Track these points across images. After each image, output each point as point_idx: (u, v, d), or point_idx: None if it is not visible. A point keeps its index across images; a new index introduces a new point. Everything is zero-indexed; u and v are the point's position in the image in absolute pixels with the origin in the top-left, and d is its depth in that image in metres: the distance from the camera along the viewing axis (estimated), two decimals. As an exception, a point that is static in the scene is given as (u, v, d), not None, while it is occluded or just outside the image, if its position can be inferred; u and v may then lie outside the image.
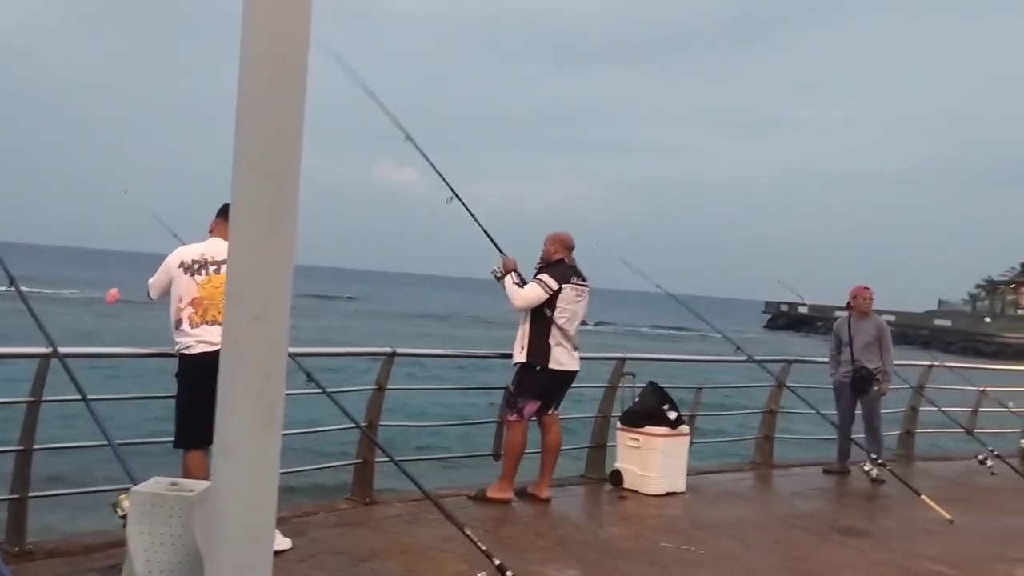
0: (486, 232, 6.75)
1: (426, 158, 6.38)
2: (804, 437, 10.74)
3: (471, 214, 6.63)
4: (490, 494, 6.63)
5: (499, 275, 6.70)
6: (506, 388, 6.83)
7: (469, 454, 8.16)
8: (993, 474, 8.80)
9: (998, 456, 9.10)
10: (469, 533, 4.78)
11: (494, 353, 7.62)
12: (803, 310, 75.54)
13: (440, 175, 6.45)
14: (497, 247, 6.78)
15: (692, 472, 7.81)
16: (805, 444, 10.65)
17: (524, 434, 6.68)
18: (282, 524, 5.34)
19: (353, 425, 5.80)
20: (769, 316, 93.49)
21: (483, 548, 4.69)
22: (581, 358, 6.86)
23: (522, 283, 6.63)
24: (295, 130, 1.80)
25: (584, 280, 6.73)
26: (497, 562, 4.64)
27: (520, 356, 6.60)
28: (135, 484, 2.95)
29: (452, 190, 6.49)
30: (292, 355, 5.34)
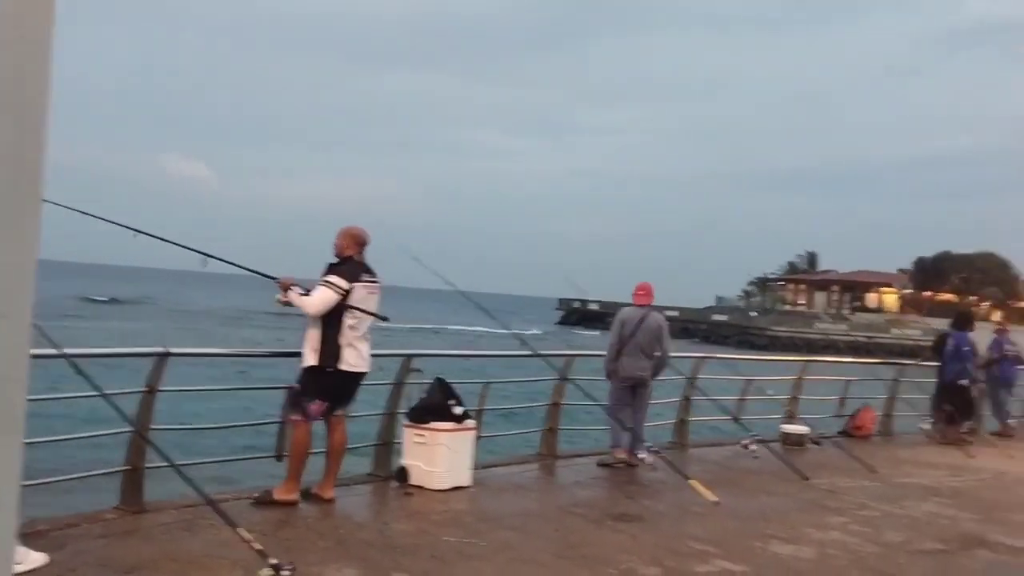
0: (250, 270, 6.68)
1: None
2: (588, 428, 11.16)
3: (230, 263, 6.72)
4: (276, 495, 6.46)
5: (283, 299, 6.55)
6: (290, 387, 6.67)
7: (250, 456, 7.92)
8: (756, 457, 9.48)
9: (761, 440, 9.81)
10: (243, 534, 4.64)
11: (275, 352, 7.46)
12: (594, 307, 78.47)
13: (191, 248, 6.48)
14: (263, 275, 6.70)
15: (478, 466, 7.92)
16: (589, 435, 11.06)
17: (308, 434, 6.56)
18: (39, 538, 4.99)
19: (118, 431, 5.49)
20: (562, 313, 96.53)
21: (258, 548, 4.56)
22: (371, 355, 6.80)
23: (307, 292, 6.49)
24: (36, 112, 1.68)
25: (375, 277, 6.67)
26: (273, 562, 4.53)
27: (311, 359, 6.46)
28: None
29: (204, 254, 6.48)
30: (61, 355, 5.07)
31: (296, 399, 6.54)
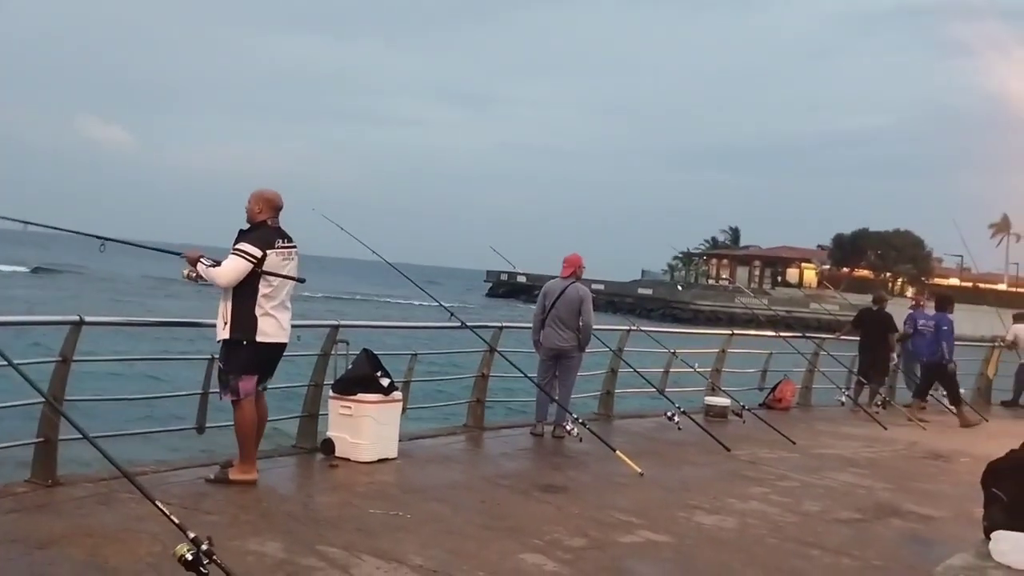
0: (151, 247, 6.59)
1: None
2: (515, 400, 11.19)
3: (129, 243, 6.75)
4: (232, 476, 6.26)
5: (192, 274, 6.28)
6: (217, 366, 6.45)
7: (170, 429, 7.74)
8: (679, 429, 9.60)
9: (684, 412, 9.95)
10: (161, 507, 4.50)
11: (192, 321, 7.25)
12: (522, 279, 78.65)
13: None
14: (167, 251, 6.55)
15: (405, 438, 7.88)
16: (516, 406, 11.09)
17: (251, 410, 6.30)
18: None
19: (28, 402, 5.28)
20: (490, 284, 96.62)
21: (176, 522, 4.44)
22: (293, 326, 6.65)
23: (216, 263, 6.21)
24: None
25: (291, 242, 6.40)
26: (192, 535, 4.41)
27: (224, 332, 6.20)
28: None
29: (101, 238, 6.25)
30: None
31: (224, 378, 6.32)
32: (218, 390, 6.45)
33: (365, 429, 7.26)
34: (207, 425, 7.01)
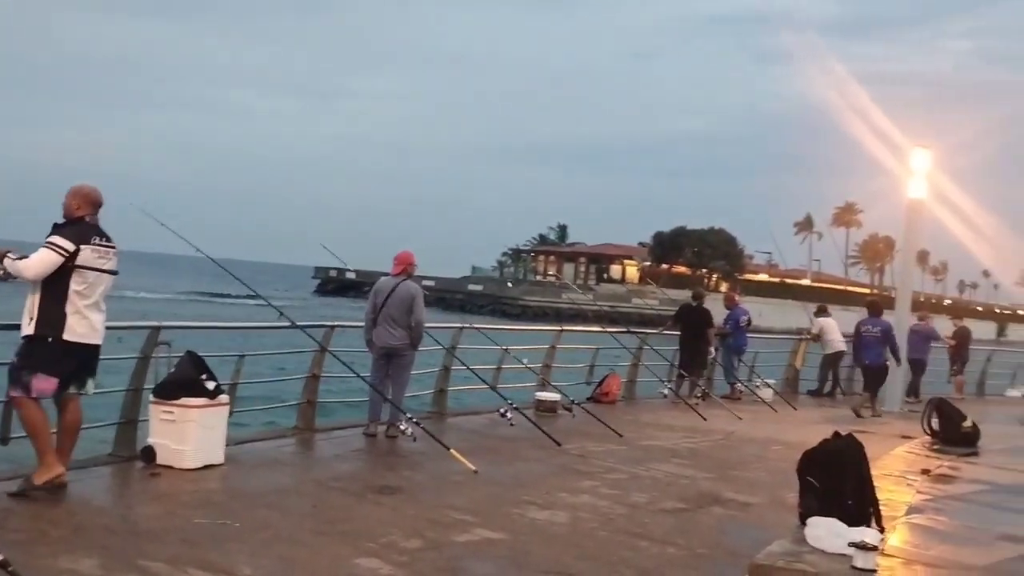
0: None
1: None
2: (348, 400, 11.00)
3: None
4: (37, 481, 5.82)
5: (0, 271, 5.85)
6: (12, 360, 6.00)
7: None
8: (512, 425, 9.72)
9: (516, 408, 10.07)
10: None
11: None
12: (351, 275, 77.62)
13: None
14: None
15: (232, 443, 7.61)
16: (349, 407, 10.90)
17: (39, 408, 5.91)
18: None
19: None
20: (319, 281, 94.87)
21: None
22: (110, 327, 6.28)
23: (23, 257, 5.83)
24: None
25: (109, 240, 6.09)
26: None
27: (28, 328, 5.82)
28: None
29: None
30: None
31: (16, 373, 5.90)
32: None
33: (189, 434, 6.95)
34: (11, 436, 6.51)
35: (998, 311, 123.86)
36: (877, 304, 15.66)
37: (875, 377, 14.63)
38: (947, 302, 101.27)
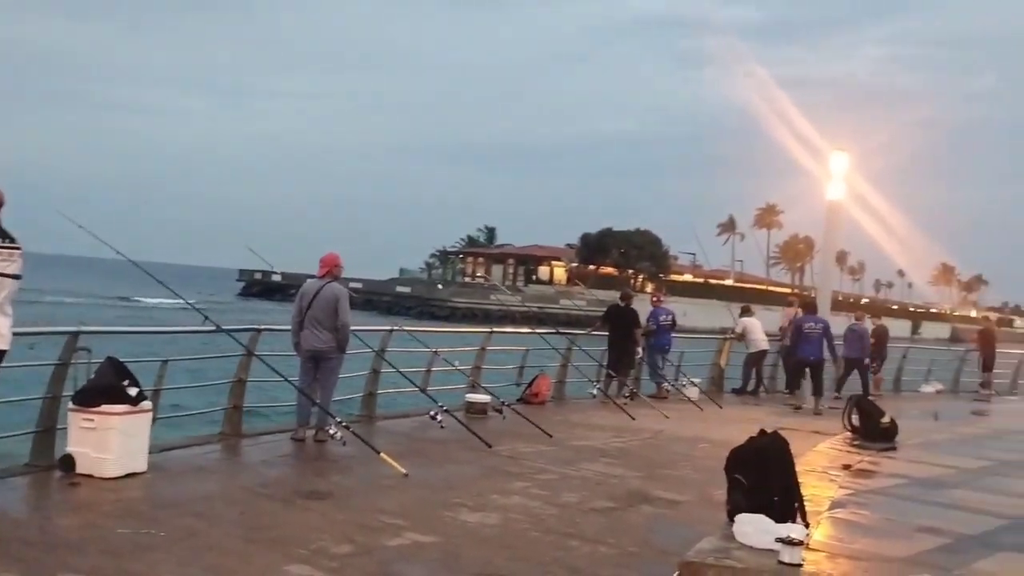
0: None
1: None
2: (275, 405, 10.83)
3: None
4: None
5: None
6: None
7: None
8: (442, 427, 9.68)
9: (447, 411, 10.04)
10: None
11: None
12: (277, 278, 76.57)
13: None
14: None
15: (155, 450, 7.44)
16: (277, 412, 10.75)
17: None
18: None
19: None
20: (244, 284, 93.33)
21: None
22: (27, 333, 6.07)
23: None
24: None
25: (13, 243, 5.79)
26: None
27: None
28: None
29: None
30: None
31: None
32: None
33: (111, 442, 6.77)
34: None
35: (912, 309, 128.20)
36: (812, 303, 16.28)
37: (817, 372, 15.23)
38: (864, 301, 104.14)
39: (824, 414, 14.23)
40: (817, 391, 15.17)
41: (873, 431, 10.71)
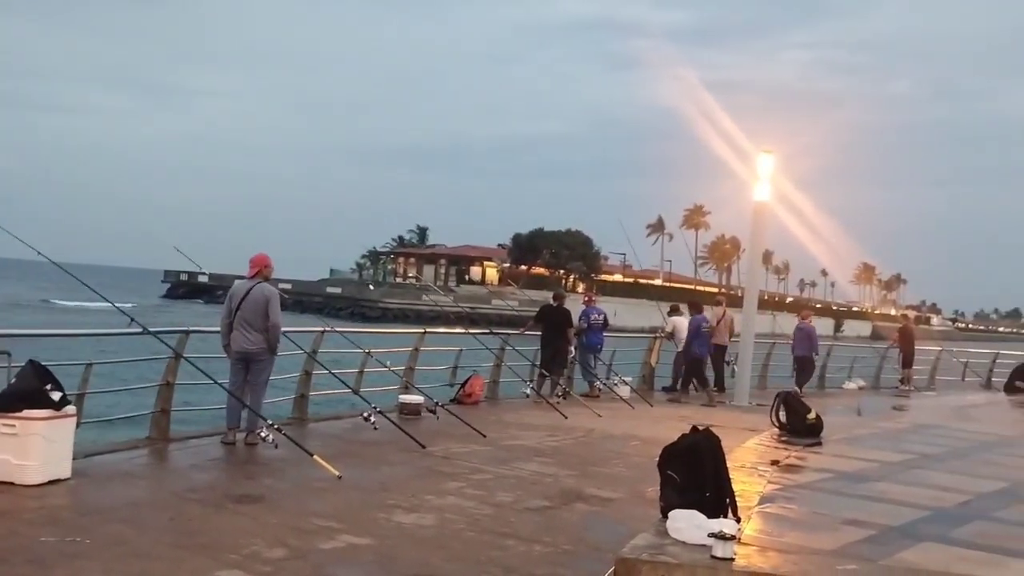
0: None
1: None
2: (204, 408, 10.63)
3: None
4: None
5: None
6: None
7: None
8: (376, 428, 9.62)
9: (380, 412, 9.98)
10: None
11: None
12: (204, 279, 75.23)
13: None
14: None
15: (80, 455, 7.26)
16: (206, 414, 10.54)
17: None
18: None
19: None
20: (169, 285, 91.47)
21: None
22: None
23: None
24: None
25: None
26: None
27: None
28: None
29: None
30: None
31: None
32: None
33: (33, 448, 6.58)
34: None
35: (835, 308, 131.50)
36: (697, 303, 17.49)
37: (705, 367, 16.71)
38: (789, 300, 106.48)
39: (717, 405, 15.37)
40: (703, 384, 16.45)
41: (799, 427, 10.94)
